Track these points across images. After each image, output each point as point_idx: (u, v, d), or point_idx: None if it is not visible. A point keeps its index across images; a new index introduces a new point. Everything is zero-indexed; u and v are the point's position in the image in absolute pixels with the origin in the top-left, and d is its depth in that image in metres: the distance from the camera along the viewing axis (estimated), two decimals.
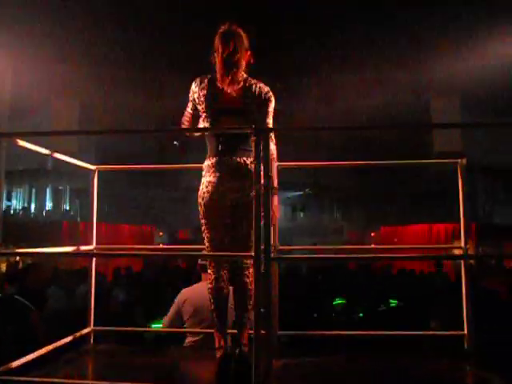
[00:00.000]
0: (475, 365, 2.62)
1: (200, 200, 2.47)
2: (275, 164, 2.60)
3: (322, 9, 6.48)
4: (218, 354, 2.37)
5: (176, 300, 3.66)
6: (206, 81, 2.50)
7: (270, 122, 2.51)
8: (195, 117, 2.57)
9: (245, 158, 2.43)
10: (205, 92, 2.47)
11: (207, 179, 2.45)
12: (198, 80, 2.53)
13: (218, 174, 2.42)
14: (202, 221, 2.49)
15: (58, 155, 2.72)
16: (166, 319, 3.69)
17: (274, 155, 2.58)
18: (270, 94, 2.50)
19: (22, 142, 2.36)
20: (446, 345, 2.88)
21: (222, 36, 2.44)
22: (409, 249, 5.43)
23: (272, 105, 2.51)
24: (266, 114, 2.49)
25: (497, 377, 2.36)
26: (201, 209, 2.47)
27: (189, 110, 2.60)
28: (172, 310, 3.65)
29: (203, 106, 2.48)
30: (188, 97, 2.59)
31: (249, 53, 2.51)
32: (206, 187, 2.44)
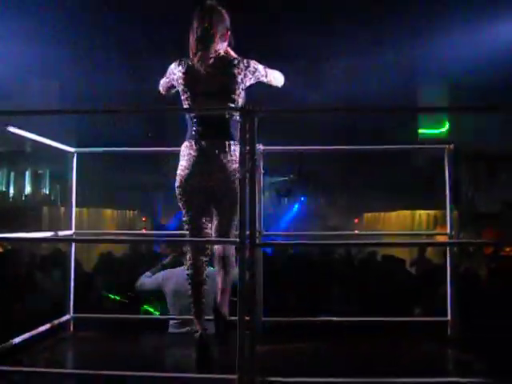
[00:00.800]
0: (458, 350, 2.63)
1: (176, 183, 2.42)
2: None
3: None
4: (195, 338, 2.34)
5: (160, 274, 3.67)
6: (185, 62, 2.42)
7: (268, 70, 2.47)
8: (170, 86, 2.54)
9: (220, 141, 2.36)
10: (182, 74, 2.40)
11: (181, 162, 2.41)
12: (178, 61, 2.45)
13: (190, 157, 2.37)
14: (179, 204, 2.46)
15: (36, 137, 2.61)
16: (146, 280, 3.69)
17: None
18: (245, 59, 2.41)
19: None
20: (430, 331, 2.89)
21: (198, 12, 2.37)
22: (393, 235, 5.45)
23: (256, 63, 2.42)
24: (259, 70, 2.42)
25: (480, 362, 2.38)
26: (177, 192, 2.43)
27: (165, 79, 2.56)
28: (154, 279, 3.63)
29: (182, 87, 2.42)
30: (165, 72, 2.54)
31: (228, 32, 2.43)
32: (181, 170, 2.40)
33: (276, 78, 2.53)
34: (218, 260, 2.44)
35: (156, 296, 3.94)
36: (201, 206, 2.42)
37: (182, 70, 2.40)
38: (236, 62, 2.39)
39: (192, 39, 2.38)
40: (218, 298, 2.40)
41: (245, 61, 2.41)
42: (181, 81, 2.41)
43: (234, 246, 2.38)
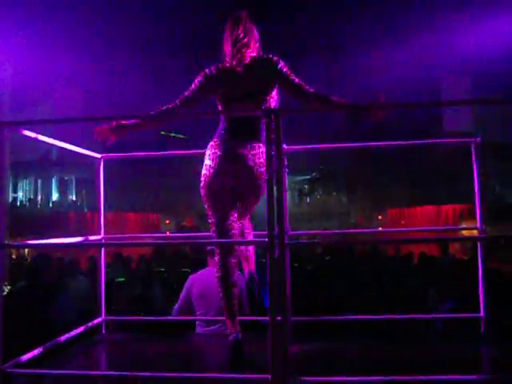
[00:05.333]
0: (492, 347, 2.58)
1: (201, 184, 2.44)
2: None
3: None
4: (230, 340, 2.34)
5: (184, 287, 3.68)
6: (218, 68, 2.46)
7: (295, 78, 2.39)
8: (193, 100, 2.45)
9: (248, 142, 2.37)
10: (217, 78, 2.43)
11: (206, 162, 2.42)
12: (209, 68, 2.47)
13: (216, 157, 2.38)
14: (205, 205, 2.47)
15: (63, 144, 2.67)
16: (175, 307, 3.70)
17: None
18: (275, 58, 2.42)
19: (26, 132, 2.31)
20: (462, 328, 2.84)
21: (232, 20, 2.44)
22: (418, 231, 5.36)
23: (284, 65, 2.41)
24: (287, 74, 2.39)
25: None
26: (202, 193, 2.44)
27: (193, 87, 2.45)
28: (181, 297, 3.67)
29: (215, 92, 2.45)
30: (194, 81, 2.48)
31: (258, 44, 2.48)
32: (206, 170, 2.41)
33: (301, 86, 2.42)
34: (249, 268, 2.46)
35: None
36: (227, 207, 2.42)
37: (218, 73, 2.43)
38: (271, 58, 2.42)
39: (227, 46, 2.44)
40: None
41: (280, 61, 2.43)
42: (215, 86, 2.43)
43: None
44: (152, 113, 2.40)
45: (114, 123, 2.40)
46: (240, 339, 2.30)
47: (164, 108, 2.41)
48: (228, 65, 2.43)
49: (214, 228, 2.46)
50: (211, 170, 2.38)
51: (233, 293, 2.42)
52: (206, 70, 2.46)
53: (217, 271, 2.46)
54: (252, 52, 2.43)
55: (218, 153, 2.38)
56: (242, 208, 2.45)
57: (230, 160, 2.36)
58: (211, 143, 2.44)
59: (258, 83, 2.40)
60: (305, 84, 2.39)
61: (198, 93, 2.44)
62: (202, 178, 2.42)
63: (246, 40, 2.40)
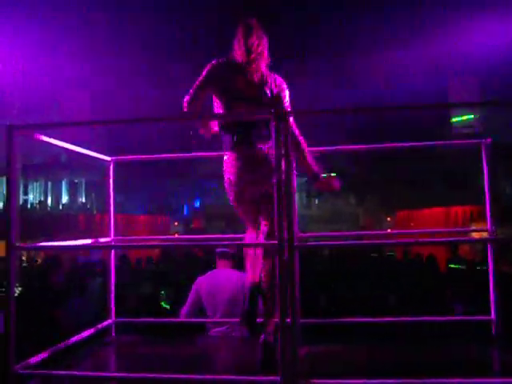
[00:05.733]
0: (505, 350, 2.55)
1: (230, 197, 2.45)
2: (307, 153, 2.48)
3: None
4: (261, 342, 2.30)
5: (193, 288, 3.67)
6: (226, 64, 2.45)
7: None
8: (203, 98, 2.47)
9: (262, 145, 2.37)
10: (225, 72, 2.42)
11: (229, 176, 2.41)
12: (216, 62, 2.45)
13: (238, 169, 2.38)
14: (238, 214, 2.51)
15: (73, 147, 2.69)
16: (184, 309, 3.70)
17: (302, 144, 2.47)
18: (284, 84, 2.48)
19: (36, 135, 2.33)
20: (473, 330, 2.82)
21: (244, 27, 2.44)
22: (428, 233, 5.33)
23: (288, 94, 2.47)
24: (285, 104, 2.44)
25: None
26: (234, 206, 2.48)
27: (198, 90, 2.45)
28: (189, 298, 3.67)
29: (220, 89, 2.42)
30: (199, 76, 2.47)
31: (267, 52, 2.49)
32: (233, 185, 2.41)
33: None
34: (266, 271, 2.40)
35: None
36: (253, 212, 2.45)
37: (226, 72, 2.42)
38: (280, 80, 2.47)
39: (239, 53, 2.42)
40: (269, 326, 2.32)
41: (283, 83, 2.47)
42: (222, 82, 2.41)
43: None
44: (188, 110, 2.45)
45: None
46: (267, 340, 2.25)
47: (190, 106, 2.45)
48: (238, 64, 2.42)
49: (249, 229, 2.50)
50: (239, 186, 2.39)
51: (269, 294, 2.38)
52: (214, 61, 2.46)
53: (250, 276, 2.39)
54: (265, 61, 2.45)
55: (238, 165, 2.38)
56: (264, 210, 2.43)
57: (252, 168, 2.36)
58: (228, 155, 2.42)
59: (264, 95, 2.40)
60: (293, 122, 2.41)
61: (207, 82, 2.44)
62: (231, 192, 2.43)
63: (260, 49, 2.41)
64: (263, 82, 2.41)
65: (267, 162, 2.35)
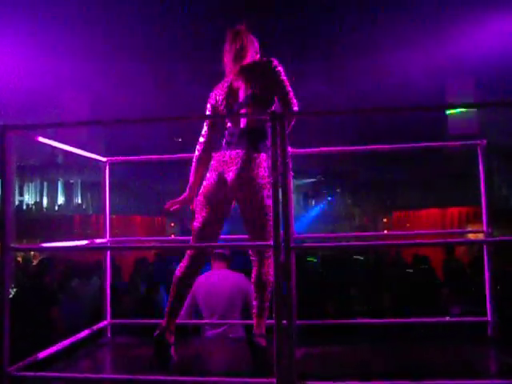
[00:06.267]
0: (500, 351, 2.56)
1: (199, 191, 2.48)
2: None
3: None
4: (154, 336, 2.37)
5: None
6: (222, 83, 2.53)
7: (288, 89, 2.43)
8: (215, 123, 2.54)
9: (245, 152, 2.36)
10: (220, 92, 2.49)
11: (207, 174, 2.46)
12: (214, 87, 2.54)
13: (213, 167, 2.42)
14: (195, 209, 2.49)
15: (69, 148, 2.68)
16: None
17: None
18: (273, 61, 2.45)
19: (31, 136, 2.32)
20: (469, 331, 2.82)
21: (231, 34, 2.47)
22: (424, 234, 5.34)
23: (281, 71, 2.44)
24: (281, 83, 2.42)
25: None
26: (199, 198, 2.48)
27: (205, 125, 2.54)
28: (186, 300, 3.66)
29: (220, 104, 2.47)
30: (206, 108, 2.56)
31: (258, 55, 2.53)
32: (204, 181, 2.46)
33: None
34: (256, 272, 2.43)
35: None
36: (215, 216, 2.44)
37: (220, 90, 2.49)
38: (266, 61, 2.46)
39: (227, 59, 2.47)
40: (254, 321, 2.38)
41: (272, 62, 2.45)
42: (219, 98, 2.48)
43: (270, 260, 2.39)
44: (198, 154, 2.51)
45: (184, 197, 2.54)
46: (162, 335, 2.33)
47: (203, 145, 2.51)
48: (229, 78, 2.48)
49: (194, 230, 2.48)
50: (207, 182, 2.43)
51: (185, 293, 2.47)
52: (211, 94, 2.54)
53: (177, 270, 2.46)
54: (248, 59, 2.46)
55: (214, 164, 2.42)
56: (245, 221, 2.44)
57: (225, 170, 2.38)
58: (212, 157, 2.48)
59: (257, 90, 2.40)
60: (292, 97, 2.42)
61: (214, 114, 2.52)
62: (201, 188, 2.47)
63: (243, 53, 2.43)
64: (252, 78, 2.42)
65: (240, 169, 2.34)
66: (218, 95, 2.50)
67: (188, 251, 2.50)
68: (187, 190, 2.55)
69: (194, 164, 2.54)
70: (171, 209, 2.57)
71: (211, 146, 2.51)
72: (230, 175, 2.35)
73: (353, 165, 14.57)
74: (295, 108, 2.42)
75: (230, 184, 2.36)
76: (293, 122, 2.47)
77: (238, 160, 2.35)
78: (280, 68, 2.44)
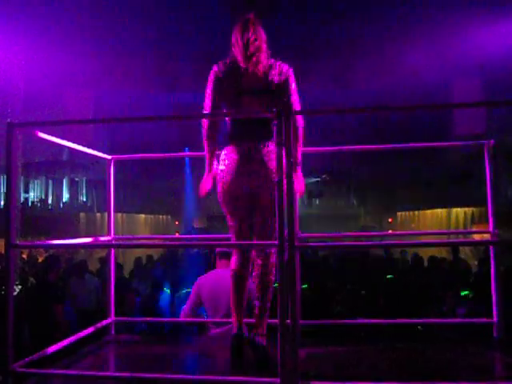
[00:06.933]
0: (505, 353, 2.54)
1: (218, 189, 2.44)
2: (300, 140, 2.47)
3: None
4: (233, 332, 2.35)
5: (193, 288, 3.67)
6: (226, 63, 2.44)
7: (296, 98, 2.42)
8: (216, 102, 2.45)
9: (258, 144, 2.35)
10: (227, 73, 2.41)
11: (221, 167, 2.42)
12: (217, 67, 2.45)
13: (232, 161, 2.37)
14: (223, 209, 2.47)
15: (74, 145, 2.68)
16: (185, 308, 3.70)
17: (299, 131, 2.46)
18: (290, 70, 2.44)
19: (37, 133, 2.32)
20: (475, 332, 2.80)
21: (241, 23, 2.40)
22: (429, 234, 5.31)
23: (294, 81, 2.43)
24: (291, 91, 2.41)
25: None
26: (221, 199, 2.44)
27: (212, 104, 2.45)
28: (190, 298, 3.66)
29: (225, 87, 2.41)
30: (206, 89, 2.47)
31: (266, 45, 2.45)
32: (223, 176, 2.40)
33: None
34: (258, 272, 2.41)
35: None
36: (238, 209, 2.41)
37: (228, 71, 2.41)
38: (285, 68, 2.43)
39: (237, 48, 2.39)
40: (256, 321, 2.38)
41: (289, 70, 2.43)
42: (225, 81, 2.40)
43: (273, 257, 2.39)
44: (207, 134, 2.45)
45: (205, 180, 2.49)
46: (243, 332, 2.30)
47: (209, 126, 2.45)
48: (238, 63, 2.39)
49: (232, 231, 2.47)
50: (226, 176, 2.38)
51: (242, 288, 2.42)
52: (214, 67, 2.45)
53: (232, 264, 2.46)
54: (264, 53, 2.40)
55: (234, 157, 2.37)
56: (261, 209, 2.40)
57: (246, 162, 2.34)
58: (226, 147, 2.43)
59: (270, 85, 2.38)
60: (297, 106, 2.40)
61: (217, 92, 2.43)
62: (220, 184, 2.42)
63: (257, 43, 2.37)
64: (267, 73, 2.38)
65: (258, 160, 2.32)
66: (227, 75, 2.40)
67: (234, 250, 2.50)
68: (206, 168, 2.50)
69: (205, 141, 2.46)
70: (204, 194, 2.51)
71: (216, 125, 2.46)
72: (255, 168, 2.32)
73: (358, 164, 14.53)
74: (300, 121, 2.42)
75: (255, 176, 2.33)
76: (301, 129, 2.44)
77: (258, 152, 2.33)
78: (293, 76, 2.43)
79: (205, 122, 2.46)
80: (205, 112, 2.47)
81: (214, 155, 2.48)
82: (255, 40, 2.36)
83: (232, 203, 2.40)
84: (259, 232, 2.42)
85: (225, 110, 2.46)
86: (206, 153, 2.49)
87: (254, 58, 2.36)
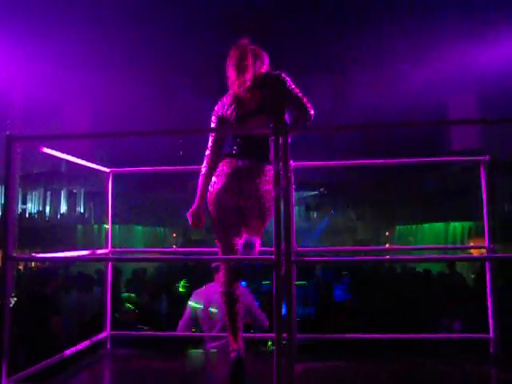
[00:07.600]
0: (502, 370, 2.53)
1: (207, 199, 2.46)
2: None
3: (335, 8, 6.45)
4: (232, 356, 2.33)
5: (188, 303, 3.67)
6: (226, 96, 2.52)
7: (300, 94, 2.43)
8: (220, 136, 2.53)
9: (258, 163, 2.37)
10: (227, 103, 2.48)
11: (213, 179, 2.44)
12: (216, 105, 2.54)
13: (224, 174, 2.40)
14: (211, 221, 2.48)
15: (73, 158, 2.69)
16: (180, 323, 3.69)
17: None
18: (281, 74, 2.46)
19: (36, 146, 2.34)
20: (471, 348, 2.79)
21: (234, 48, 2.46)
22: (426, 249, 5.32)
23: (289, 82, 2.45)
24: (292, 91, 2.43)
25: None
26: (209, 208, 2.46)
27: (214, 134, 2.54)
28: (186, 313, 3.66)
29: (228, 116, 2.47)
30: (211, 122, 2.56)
31: (265, 67, 2.50)
32: (211, 186, 2.43)
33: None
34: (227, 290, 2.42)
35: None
36: (231, 224, 2.42)
37: (228, 102, 2.48)
38: (279, 76, 2.45)
39: (231, 72, 2.45)
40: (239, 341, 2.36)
41: (280, 75, 2.46)
42: (227, 111, 2.47)
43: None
44: (205, 168, 2.50)
45: (192, 212, 2.51)
46: (242, 356, 2.28)
47: (209, 158, 2.50)
48: (232, 91, 2.47)
49: (218, 244, 2.48)
50: (216, 187, 2.40)
51: (236, 308, 2.41)
52: (215, 108, 2.53)
53: (220, 286, 2.46)
54: (251, 73, 2.43)
55: (226, 170, 2.40)
56: (247, 227, 2.43)
57: (238, 178, 2.37)
58: (223, 161, 2.46)
59: (267, 99, 2.41)
60: (307, 102, 2.42)
61: (220, 129, 2.52)
62: (208, 195, 2.44)
63: (246, 65, 2.40)
64: (263, 91, 2.42)
65: (253, 179, 2.35)
66: (225, 105, 2.49)
67: (221, 266, 2.49)
68: (196, 201, 2.52)
69: (201, 179, 2.51)
70: (200, 224, 2.54)
71: (218, 160, 2.50)
72: (246, 185, 2.34)
73: (356, 178, 14.58)
74: (311, 112, 2.41)
75: (245, 193, 2.35)
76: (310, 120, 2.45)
77: (252, 171, 2.35)
78: (288, 78, 2.45)
79: (206, 160, 2.51)
80: (207, 152, 2.52)
81: (206, 191, 2.48)
82: (244, 60, 2.41)
83: (218, 215, 2.41)
84: (241, 250, 2.40)
85: (231, 138, 2.49)
86: (199, 188, 2.52)
87: (241, 78, 2.40)
